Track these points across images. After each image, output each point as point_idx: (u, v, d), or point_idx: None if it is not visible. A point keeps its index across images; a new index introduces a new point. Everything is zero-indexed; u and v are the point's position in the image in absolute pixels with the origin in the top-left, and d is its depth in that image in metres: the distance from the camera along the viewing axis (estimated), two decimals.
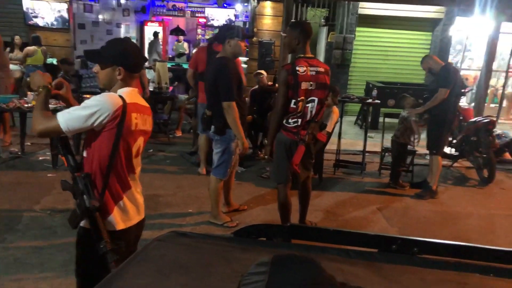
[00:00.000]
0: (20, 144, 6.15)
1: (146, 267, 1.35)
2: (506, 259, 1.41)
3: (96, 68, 2.14)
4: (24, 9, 9.66)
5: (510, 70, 10.43)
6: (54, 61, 9.36)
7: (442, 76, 5.26)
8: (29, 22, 9.76)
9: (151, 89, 7.89)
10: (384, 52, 10.36)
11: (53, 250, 3.68)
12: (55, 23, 9.80)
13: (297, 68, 3.55)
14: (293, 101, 3.59)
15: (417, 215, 5.05)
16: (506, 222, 4.98)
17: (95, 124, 1.95)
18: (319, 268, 1.04)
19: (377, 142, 6.74)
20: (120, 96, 2.03)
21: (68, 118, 1.95)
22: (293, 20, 7.44)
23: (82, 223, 2.05)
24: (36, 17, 9.82)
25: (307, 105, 3.65)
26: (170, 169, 6.04)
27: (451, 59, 10.53)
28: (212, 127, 4.06)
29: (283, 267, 1.05)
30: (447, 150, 6.71)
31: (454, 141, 6.71)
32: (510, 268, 1.38)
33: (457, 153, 6.75)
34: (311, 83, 3.59)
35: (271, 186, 5.37)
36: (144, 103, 2.20)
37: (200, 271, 1.32)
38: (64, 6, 9.77)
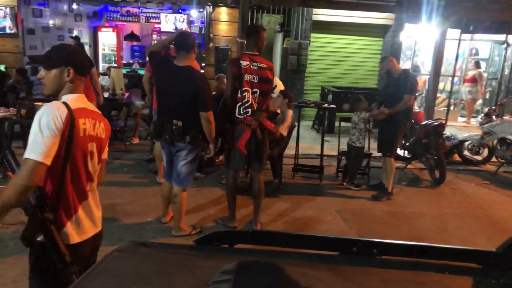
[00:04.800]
0: None
1: (106, 280, 1.30)
2: (458, 257, 1.48)
3: (41, 73, 2.02)
4: None
5: (456, 75, 10.94)
6: (2, 68, 8.94)
7: (404, 82, 5.38)
8: None
9: (106, 96, 7.68)
10: (338, 58, 10.59)
11: (4, 265, 3.51)
12: (2, 28, 9.38)
13: (241, 62, 4.04)
14: (239, 91, 4.06)
15: (374, 216, 5.19)
16: (456, 221, 5.21)
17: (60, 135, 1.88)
18: (283, 274, 1.04)
19: (334, 145, 6.88)
20: (64, 103, 1.94)
21: (40, 151, 1.80)
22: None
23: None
24: None
25: (253, 95, 4.09)
26: (127, 177, 5.90)
27: (401, 64, 10.92)
28: (187, 137, 3.92)
29: (248, 274, 1.05)
30: (400, 152, 6.96)
31: (407, 143, 6.96)
32: (462, 265, 1.45)
33: (410, 155, 7.01)
34: (254, 76, 4.06)
35: None
36: (92, 108, 2.13)
37: (162, 282, 1.29)
38: (12, 11, 9.37)
